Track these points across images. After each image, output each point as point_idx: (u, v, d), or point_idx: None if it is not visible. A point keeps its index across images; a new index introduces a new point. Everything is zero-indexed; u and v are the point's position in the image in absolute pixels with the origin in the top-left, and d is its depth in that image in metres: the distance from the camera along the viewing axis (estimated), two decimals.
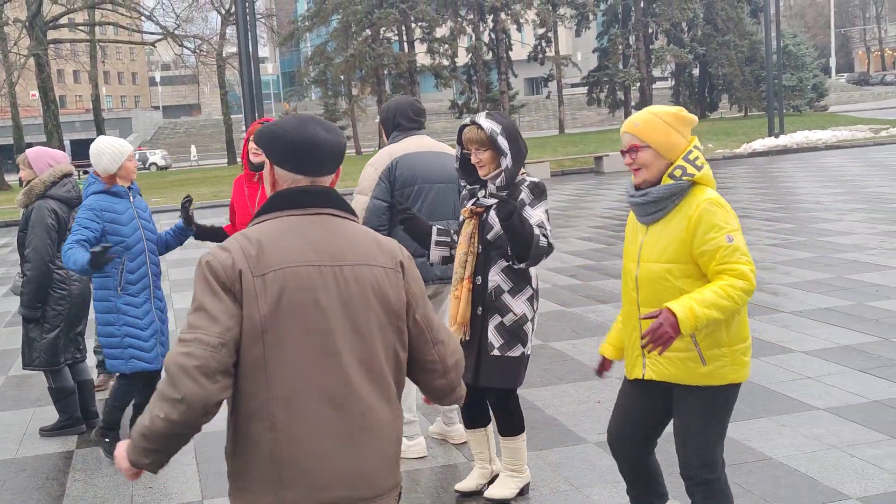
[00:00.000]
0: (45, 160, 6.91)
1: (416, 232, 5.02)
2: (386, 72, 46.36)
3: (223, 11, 49.75)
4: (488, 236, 4.77)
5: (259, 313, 2.44)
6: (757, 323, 8.60)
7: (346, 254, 2.56)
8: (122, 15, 43.31)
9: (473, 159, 4.76)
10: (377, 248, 2.63)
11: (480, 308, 4.79)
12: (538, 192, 4.76)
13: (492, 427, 5.27)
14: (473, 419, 5.18)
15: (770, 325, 8.58)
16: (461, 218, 4.93)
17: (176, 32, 41.81)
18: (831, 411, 6.22)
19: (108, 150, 6.13)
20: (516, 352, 4.81)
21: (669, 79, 56.81)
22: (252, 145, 6.34)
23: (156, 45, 44.57)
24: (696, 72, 55.60)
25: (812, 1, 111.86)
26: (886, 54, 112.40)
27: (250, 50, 28.47)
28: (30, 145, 51.38)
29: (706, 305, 3.49)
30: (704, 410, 3.81)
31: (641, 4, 50.92)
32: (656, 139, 3.76)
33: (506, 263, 4.77)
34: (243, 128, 55.81)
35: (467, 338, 4.81)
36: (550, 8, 47.58)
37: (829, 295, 9.64)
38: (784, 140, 33.48)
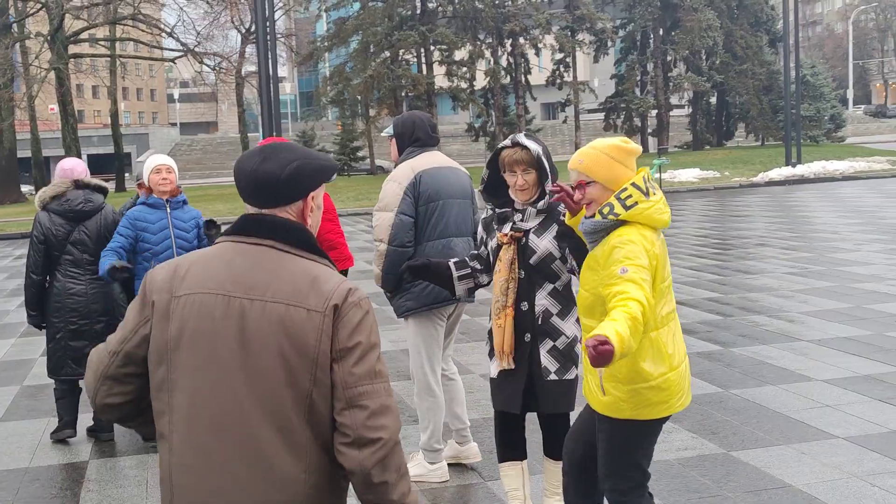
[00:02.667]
0: (57, 174, 7.12)
1: (436, 277, 4.90)
2: (404, 93, 46.49)
3: (243, 30, 50.01)
4: (531, 261, 4.63)
5: (168, 335, 2.43)
6: (775, 350, 8.55)
7: (265, 289, 2.41)
8: (143, 31, 43.62)
9: (518, 182, 4.60)
10: (308, 288, 2.42)
11: (529, 334, 4.65)
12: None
13: (527, 463, 5.06)
14: (510, 452, 4.94)
15: (789, 352, 8.52)
16: (492, 243, 4.79)
17: (196, 50, 41.99)
18: (851, 440, 6.16)
19: (145, 165, 6.83)
20: (572, 374, 4.68)
21: (687, 106, 56.80)
22: None
23: (175, 61, 44.76)
24: (713, 100, 55.60)
25: (831, 32, 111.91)
26: None
27: (270, 69, 28.62)
28: (47, 159, 51.81)
29: (619, 322, 3.32)
30: (606, 439, 3.89)
31: (661, 32, 51.00)
32: (602, 174, 3.82)
33: (551, 286, 4.65)
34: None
35: (513, 366, 4.66)
36: (569, 34, 47.65)
37: (847, 324, 9.57)
38: (801, 170, 33.41)
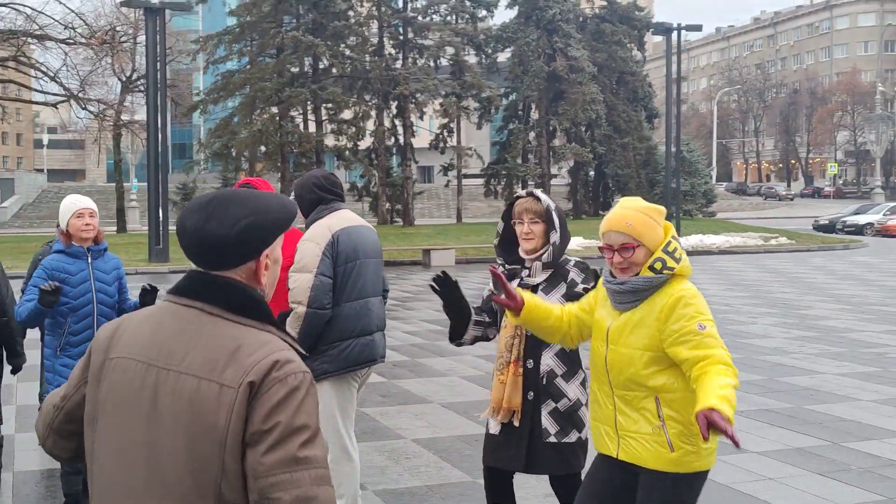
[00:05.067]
0: None
1: (460, 308, 4.73)
2: (291, 150, 46.22)
3: (123, 78, 49.10)
4: None
5: (95, 400, 2.25)
6: None
7: (182, 357, 2.14)
8: (22, 74, 42.16)
9: (524, 230, 4.64)
10: (227, 359, 2.11)
11: (532, 393, 4.62)
12: (587, 270, 4.73)
13: None
14: None
15: None
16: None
17: (80, 95, 40.91)
18: None
19: (62, 207, 6.09)
20: (572, 437, 4.64)
21: (566, 176, 58.18)
22: None
23: (58, 106, 43.44)
24: (591, 171, 57.08)
25: (696, 111, 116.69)
26: (763, 166, 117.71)
27: (158, 119, 28.15)
28: None
29: (723, 389, 3.43)
30: (667, 498, 3.81)
31: (544, 102, 52.21)
32: (648, 236, 3.80)
33: (558, 347, 4.61)
34: (133, 196, 54.87)
35: (517, 424, 4.62)
36: (455, 99, 48.34)
37: (766, 396, 9.82)
38: (681, 242, 34.43)
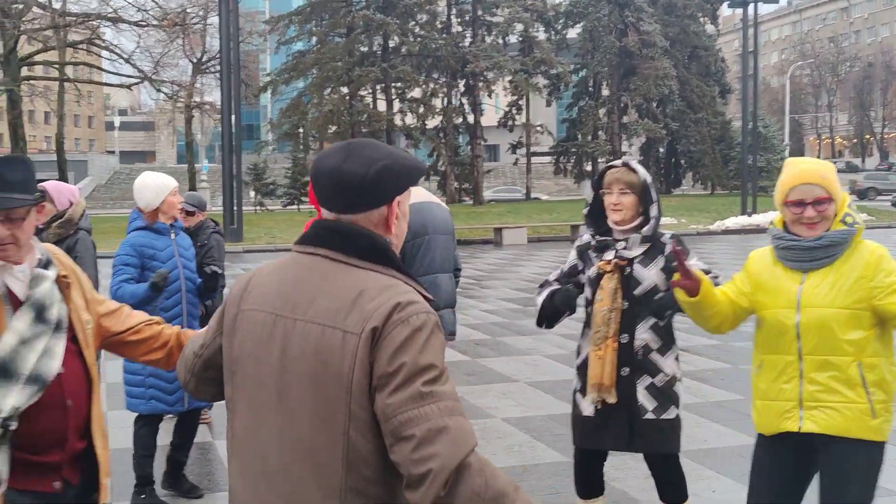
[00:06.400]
0: (66, 195, 6.64)
1: (566, 303, 4.58)
2: (363, 129, 46.41)
3: (194, 60, 49.64)
4: (635, 292, 4.46)
5: (232, 352, 2.29)
6: None
7: (307, 306, 2.15)
8: (98, 57, 42.81)
9: (613, 200, 4.48)
10: (350, 306, 2.10)
11: (627, 369, 4.46)
12: (683, 244, 4.53)
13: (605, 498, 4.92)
14: (590, 488, 4.78)
15: None
16: (591, 272, 4.58)
17: (153, 77, 41.47)
18: None
19: (152, 185, 6.02)
20: (671, 413, 4.51)
21: (637, 153, 57.61)
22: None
23: (132, 87, 44.12)
24: (661, 148, 56.40)
25: (767, 86, 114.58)
26: (837, 142, 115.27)
27: (231, 99, 28.29)
28: None
29: None
30: (867, 470, 3.64)
31: (615, 78, 51.69)
32: (837, 190, 3.71)
33: (654, 320, 4.47)
34: (203, 177, 55.45)
35: (615, 400, 4.47)
36: (525, 76, 48.05)
37: None
38: (757, 219, 33.83)
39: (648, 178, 4.54)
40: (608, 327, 4.44)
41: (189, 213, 7.60)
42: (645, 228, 4.50)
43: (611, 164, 4.64)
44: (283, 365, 2.15)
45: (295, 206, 48.30)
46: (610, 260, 4.49)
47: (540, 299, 4.69)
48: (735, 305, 3.95)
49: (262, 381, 2.19)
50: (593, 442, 4.61)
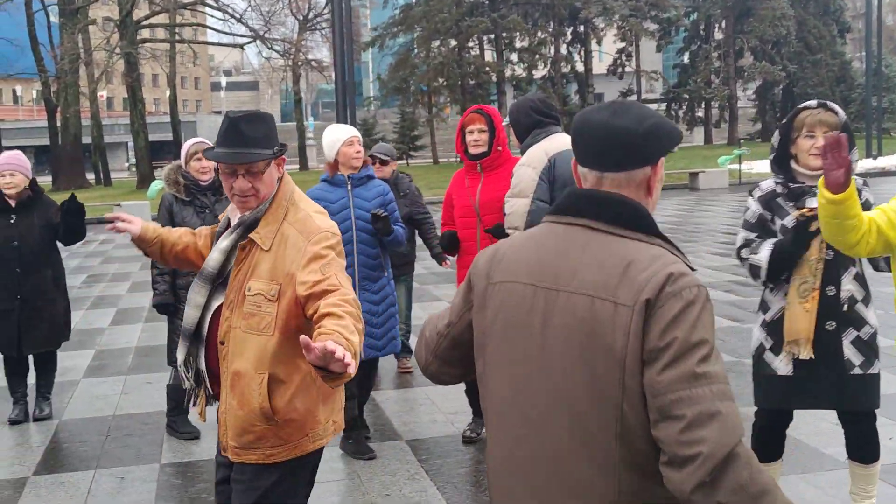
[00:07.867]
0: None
1: (801, 242, 4.30)
2: (470, 81, 46.12)
3: (301, 17, 49.87)
4: None
5: (484, 324, 2.23)
6: None
7: (571, 277, 2.08)
8: (210, 16, 43.48)
9: (817, 143, 4.18)
10: (619, 276, 2.03)
11: (833, 322, 4.22)
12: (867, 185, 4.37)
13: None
14: (773, 452, 4.58)
15: None
16: (787, 220, 4.29)
17: (266, 36, 41.87)
18: None
19: (326, 139, 6.00)
20: (875, 368, 4.29)
21: (753, 97, 56.03)
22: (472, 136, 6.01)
23: (244, 47, 44.66)
24: (778, 91, 54.76)
25: (884, 25, 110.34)
26: None
27: (345, 56, 28.17)
28: (105, 146, 51.93)
29: None
30: None
31: (730, 21, 50.24)
32: None
33: (855, 270, 4.26)
34: (310, 134, 55.81)
35: (812, 356, 4.23)
36: (638, 20, 47.04)
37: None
38: (882, 162, 32.64)
39: (848, 122, 4.28)
40: (815, 278, 4.22)
41: (382, 163, 7.58)
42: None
43: (804, 105, 4.35)
44: (544, 337, 2.10)
45: (404, 161, 48.34)
46: (813, 207, 4.18)
47: (763, 256, 4.34)
48: (880, 230, 3.72)
49: (522, 353, 2.15)
50: (794, 402, 4.39)
